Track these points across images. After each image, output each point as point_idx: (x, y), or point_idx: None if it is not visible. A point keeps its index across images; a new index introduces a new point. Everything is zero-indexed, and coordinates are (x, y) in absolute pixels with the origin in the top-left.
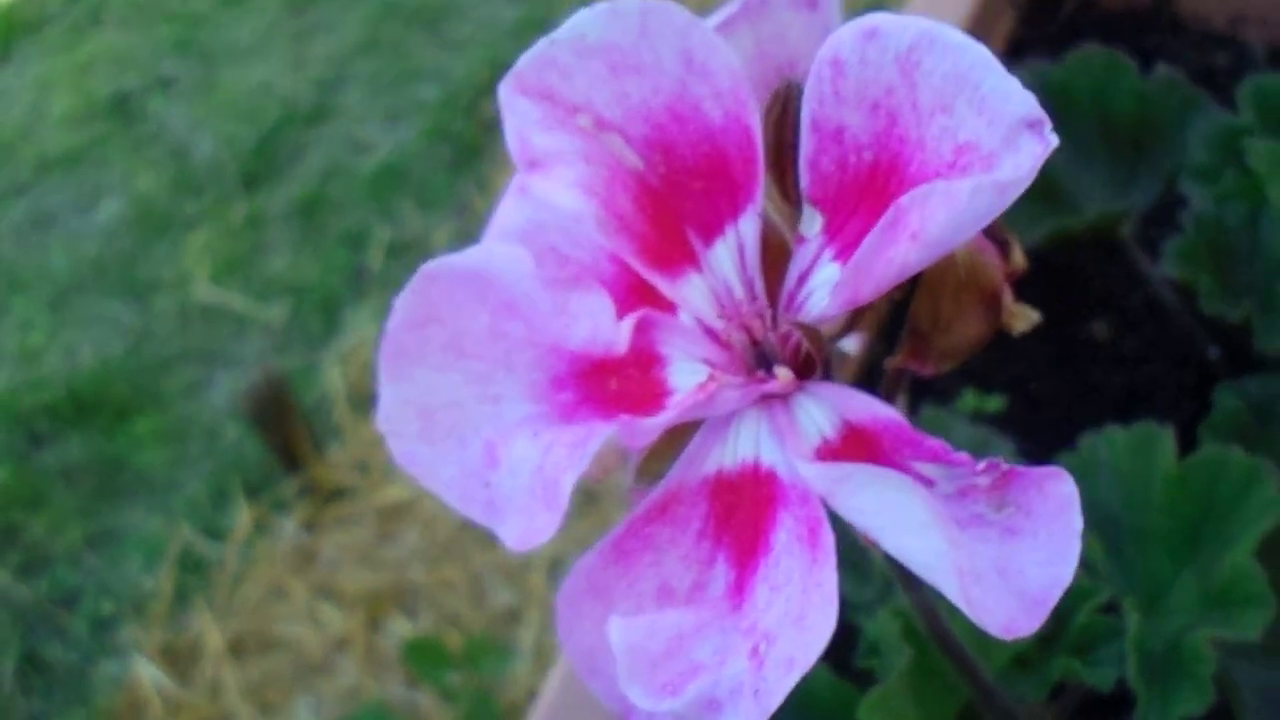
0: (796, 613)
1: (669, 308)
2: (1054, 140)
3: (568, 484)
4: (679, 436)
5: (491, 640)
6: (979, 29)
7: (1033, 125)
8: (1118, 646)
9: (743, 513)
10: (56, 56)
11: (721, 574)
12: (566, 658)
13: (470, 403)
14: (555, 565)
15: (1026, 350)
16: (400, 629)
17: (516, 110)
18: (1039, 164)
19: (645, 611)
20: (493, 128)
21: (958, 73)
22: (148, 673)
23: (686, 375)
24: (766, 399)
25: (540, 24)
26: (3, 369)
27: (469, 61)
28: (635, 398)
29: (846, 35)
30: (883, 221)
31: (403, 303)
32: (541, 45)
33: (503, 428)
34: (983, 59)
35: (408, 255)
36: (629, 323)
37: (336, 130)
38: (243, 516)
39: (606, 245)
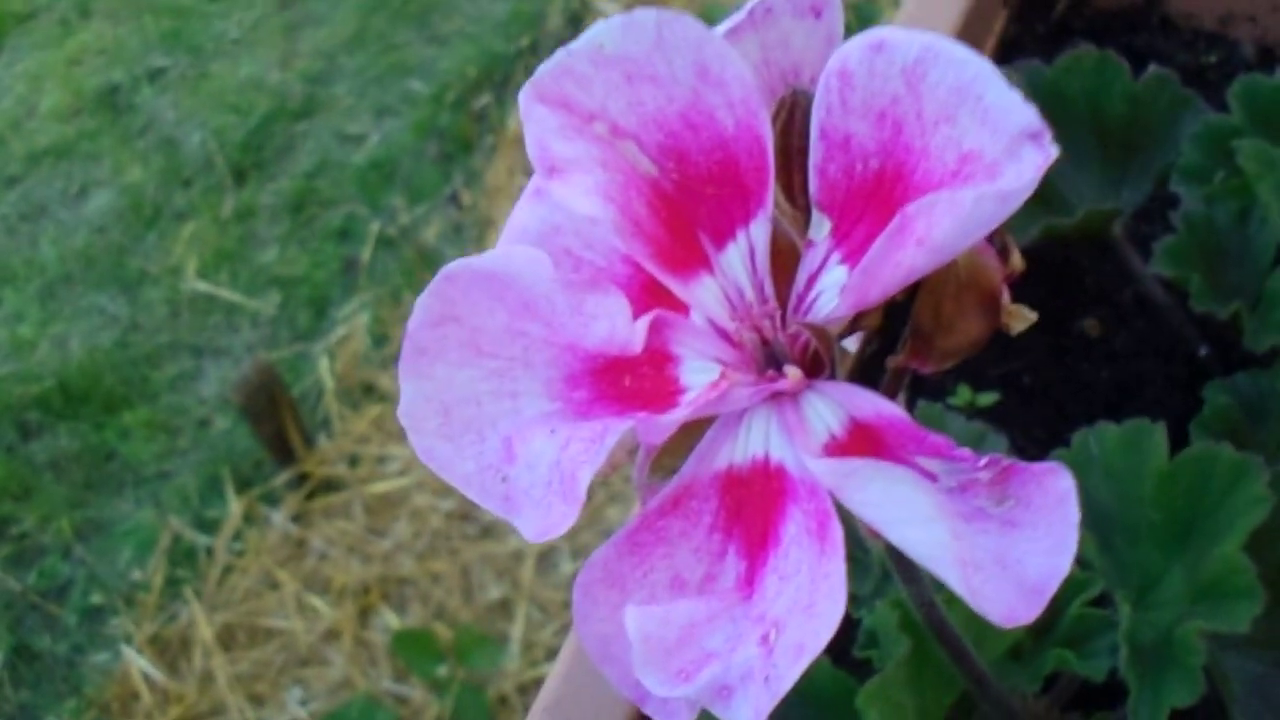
0: (806, 601)
1: (681, 309)
2: (1055, 151)
3: (585, 478)
4: (691, 433)
5: (481, 633)
6: (972, 29)
7: (1034, 136)
8: (1110, 638)
9: (753, 506)
10: (46, 49)
11: (732, 565)
12: (576, 647)
13: (487, 399)
14: (544, 558)
15: (1019, 346)
16: (390, 621)
17: (535, 117)
18: (1040, 174)
19: (659, 601)
20: (482, 121)
21: (961, 85)
22: (137, 663)
23: (699, 374)
24: (776, 397)
25: (530, 19)
26: None
27: (458, 55)
28: (649, 395)
29: (854, 48)
30: (890, 228)
31: (422, 302)
32: (559, 55)
33: (520, 423)
34: (986, 72)
35: (397, 248)
36: (644, 323)
37: (326, 123)
38: (232, 508)
39: (621, 248)
